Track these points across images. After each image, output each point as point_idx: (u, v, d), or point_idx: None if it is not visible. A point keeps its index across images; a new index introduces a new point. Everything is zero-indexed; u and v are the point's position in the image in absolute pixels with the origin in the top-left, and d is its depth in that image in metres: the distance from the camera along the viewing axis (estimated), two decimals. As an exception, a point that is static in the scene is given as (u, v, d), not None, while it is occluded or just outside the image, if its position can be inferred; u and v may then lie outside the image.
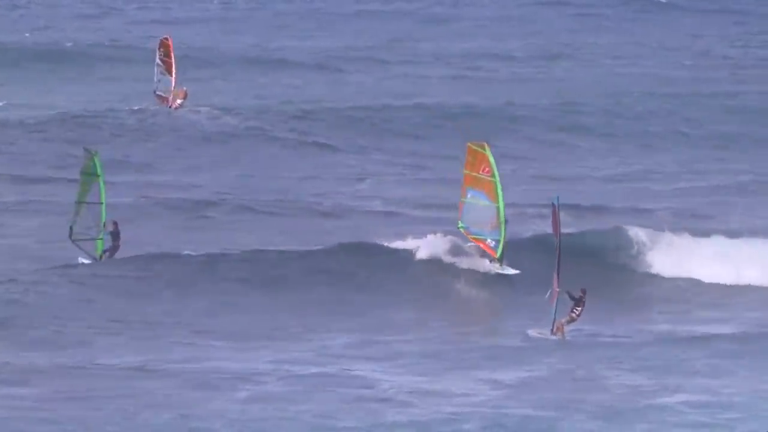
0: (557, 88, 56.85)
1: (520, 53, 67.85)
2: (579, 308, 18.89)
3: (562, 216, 30.51)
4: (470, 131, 45.21)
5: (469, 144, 25.53)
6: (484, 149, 24.68)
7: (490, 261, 24.92)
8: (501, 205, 24.13)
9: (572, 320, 19.09)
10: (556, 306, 18.83)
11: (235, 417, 13.73)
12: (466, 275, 25.78)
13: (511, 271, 24.23)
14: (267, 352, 18.93)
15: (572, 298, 18.73)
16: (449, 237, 26.24)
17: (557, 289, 18.69)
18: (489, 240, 24.64)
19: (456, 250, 25.79)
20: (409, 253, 26.39)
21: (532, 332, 19.73)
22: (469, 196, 24.79)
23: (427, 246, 26.35)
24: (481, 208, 24.78)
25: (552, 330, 19.14)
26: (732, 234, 27.65)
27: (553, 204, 20.06)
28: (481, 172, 24.54)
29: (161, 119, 43.30)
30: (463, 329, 22.14)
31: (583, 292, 18.82)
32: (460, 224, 25.33)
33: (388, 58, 65.16)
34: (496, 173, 24.16)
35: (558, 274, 18.89)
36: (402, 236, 27.76)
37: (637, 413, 13.69)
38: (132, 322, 21.34)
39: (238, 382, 16.32)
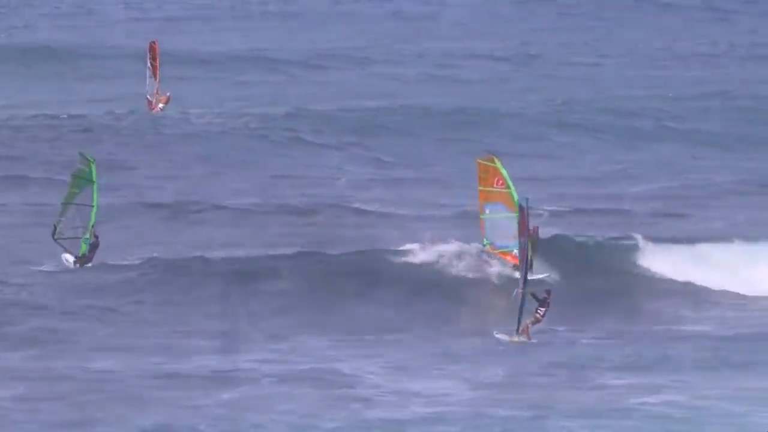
0: (540, 87, 57.17)
1: (502, 52, 68.17)
2: (543, 309, 19.05)
3: (548, 217, 30.72)
4: (455, 131, 45.52)
5: (478, 160, 25.63)
6: (494, 162, 24.77)
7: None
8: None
9: (537, 321, 19.24)
10: (522, 307, 19.00)
11: (218, 417, 13.74)
12: (449, 276, 25.83)
13: (542, 276, 24.20)
14: (251, 352, 18.90)
15: (537, 299, 18.93)
16: (432, 238, 26.29)
17: (521, 290, 18.86)
18: (515, 251, 24.68)
19: (439, 252, 25.85)
20: (393, 254, 26.43)
21: (498, 334, 19.83)
22: (487, 211, 24.73)
23: (411, 246, 26.35)
24: (502, 220, 24.82)
25: (517, 331, 19.24)
26: (716, 238, 27.84)
27: (521, 205, 20.11)
28: (495, 185, 24.61)
29: (142, 120, 43.35)
30: (445, 329, 22.18)
31: (548, 293, 19.05)
32: (485, 241, 25.34)
33: (372, 57, 65.30)
34: (510, 183, 24.29)
35: (525, 276, 19.08)
36: (385, 237, 27.81)
37: (618, 413, 13.79)
38: (116, 323, 21.28)
39: (221, 382, 16.30)
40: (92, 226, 23.25)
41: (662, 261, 26.63)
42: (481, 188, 24.82)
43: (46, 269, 24.19)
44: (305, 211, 32.38)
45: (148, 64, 43.86)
